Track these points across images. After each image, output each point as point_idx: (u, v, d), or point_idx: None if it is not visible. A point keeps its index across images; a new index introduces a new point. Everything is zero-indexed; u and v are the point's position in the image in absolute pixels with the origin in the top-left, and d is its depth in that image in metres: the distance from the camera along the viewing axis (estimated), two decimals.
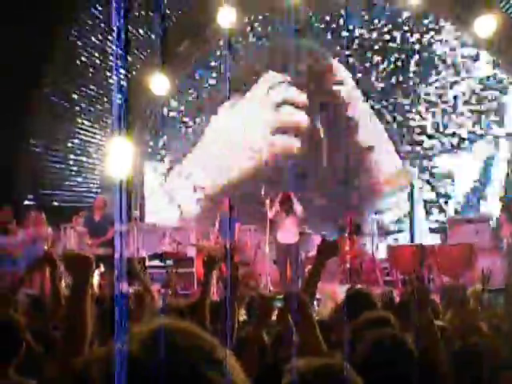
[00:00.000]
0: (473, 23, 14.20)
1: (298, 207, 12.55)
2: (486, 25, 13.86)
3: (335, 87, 16.38)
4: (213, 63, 16.81)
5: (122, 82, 14.89)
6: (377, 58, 16.44)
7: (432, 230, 15.40)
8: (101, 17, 14.16)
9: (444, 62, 16.16)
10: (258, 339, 3.62)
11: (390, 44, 16.39)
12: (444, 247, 13.18)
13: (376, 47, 16.45)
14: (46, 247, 12.08)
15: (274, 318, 4.76)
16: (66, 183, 14.99)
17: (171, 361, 1.20)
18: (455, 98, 16.01)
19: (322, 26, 16.55)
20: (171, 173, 16.83)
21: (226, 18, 14.26)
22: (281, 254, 12.58)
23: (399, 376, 2.75)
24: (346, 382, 2.17)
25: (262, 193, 12.75)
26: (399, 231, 15.76)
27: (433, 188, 15.88)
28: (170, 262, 13.27)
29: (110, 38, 13.69)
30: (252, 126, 16.38)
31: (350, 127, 16.13)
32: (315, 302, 9.72)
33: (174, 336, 1.24)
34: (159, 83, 14.66)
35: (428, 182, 15.95)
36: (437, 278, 12.89)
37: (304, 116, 16.23)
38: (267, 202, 12.60)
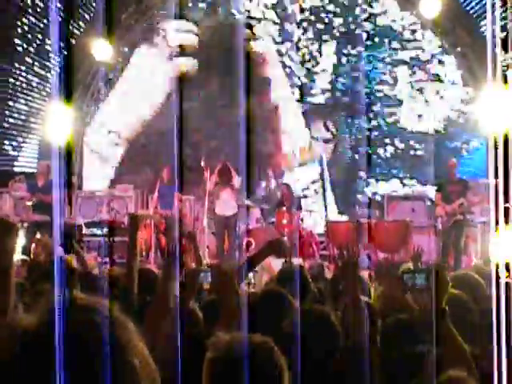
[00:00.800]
0: (418, 3, 14.29)
1: (236, 179, 12.49)
2: (431, 5, 13.95)
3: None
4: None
5: (62, 47, 14.71)
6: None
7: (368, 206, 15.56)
8: None
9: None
10: (185, 310, 3.62)
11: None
12: (380, 223, 13.36)
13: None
14: None
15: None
16: (2, 147, 14.67)
17: (70, 337, 1.22)
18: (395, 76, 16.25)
19: None
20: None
21: None
22: (219, 226, 12.54)
23: (321, 351, 2.78)
24: (269, 359, 2.17)
25: (202, 164, 12.67)
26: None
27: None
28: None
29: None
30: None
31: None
32: (251, 274, 9.79)
33: (75, 312, 1.26)
34: (102, 49, 14.42)
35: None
36: (372, 254, 13.07)
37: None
38: (206, 173, 12.52)
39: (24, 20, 14.13)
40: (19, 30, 14.10)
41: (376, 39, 16.29)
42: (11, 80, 14.39)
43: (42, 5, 14.10)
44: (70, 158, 14.93)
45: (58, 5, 12.71)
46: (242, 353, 2.14)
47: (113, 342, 1.25)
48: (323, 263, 9.11)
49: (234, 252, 12.19)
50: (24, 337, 1.24)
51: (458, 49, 15.81)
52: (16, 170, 14.53)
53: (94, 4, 15.02)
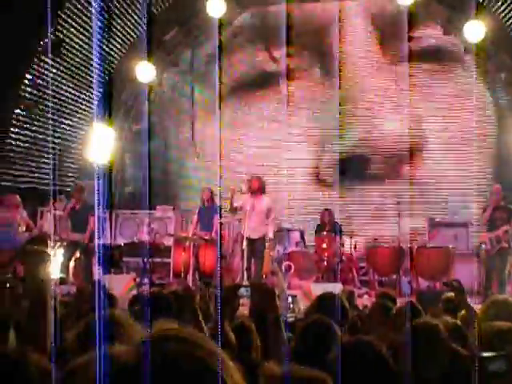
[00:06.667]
0: (463, 27, 14.13)
1: (266, 199, 12.16)
2: (476, 29, 13.80)
3: None
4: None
5: (104, 67, 14.84)
6: None
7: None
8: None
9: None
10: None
11: None
12: (422, 250, 13.13)
13: None
14: (21, 231, 11.96)
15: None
16: (43, 166, 14.75)
17: (164, 370, 1.18)
18: None
19: None
20: None
21: (216, 8, 14.13)
22: (247, 248, 11.88)
23: None
24: None
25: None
26: None
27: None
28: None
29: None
30: None
31: None
32: (290, 299, 9.68)
33: (170, 344, 1.21)
34: (144, 71, 14.51)
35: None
36: (413, 281, 12.88)
37: None
38: (233, 194, 12.13)
39: (67, 39, 14.24)
40: (62, 49, 14.21)
41: None
42: (54, 100, 14.51)
43: (85, 24, 14.24)
44: (110, 178, 15.03)
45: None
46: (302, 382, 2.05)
47: (209, 374, 1.21)
48: (354, 290, 8.96)
49: (261, 276, 11.82)
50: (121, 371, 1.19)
51: (502, 74, 15.61)
52: (57, 188, 14.61)
53: (137, 25, 15.13)
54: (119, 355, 1.22)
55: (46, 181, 14.43)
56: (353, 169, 15.87)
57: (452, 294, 5.72)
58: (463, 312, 4.97)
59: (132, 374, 1.18)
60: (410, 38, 15.85)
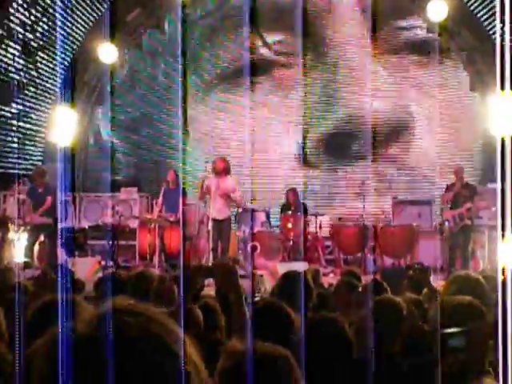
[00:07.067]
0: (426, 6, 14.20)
1: (231, 180, 12.12)
2: (439, 9, 13.87)
3: None
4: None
5: (66, 49, 14.67)
6: None
7: None
8: None
9: None
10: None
11: None
12: (386, 228, 13.25)
13: None
14: None
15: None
16: (7, 150, 14.58)
17: (119, 344, 1.16)
18: None
19: None
20: None
21: None
22: (213, 229, 11.89)
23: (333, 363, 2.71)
24: (289, 372, 2.08)
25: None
26: None
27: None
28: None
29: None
30: None
31: None
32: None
33: (127, 318, 1.20)
34: (107, 52, 14.36)
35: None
36: (378, 259, 12.99)
37: None
38: (203, 183, 12.07)
39: (29, 21, 14.05)
40: (23, 31, 14.02)
41: None
42: (16, 81, 14.33)
43: (47, 7, 14.06)
44: (74, 160, 14.89)
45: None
46: (260, 364, 2.04)
47: (165, 349, 1.20)
48: (319, 269, 9.03)
49: (227, 256, 11.80)
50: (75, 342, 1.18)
51: (465, 52, 15.70)
52: (21, 172, 14.46)
53: (99, 6, 14.96)
54: (74, 329, 1.20)
55: (9, 164, 14.28)
56: (337, 147, 16.07)
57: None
58: (426, 290, 5.03)
59: (86, 348, 1.16)
60: (400, 28, 16.07)
